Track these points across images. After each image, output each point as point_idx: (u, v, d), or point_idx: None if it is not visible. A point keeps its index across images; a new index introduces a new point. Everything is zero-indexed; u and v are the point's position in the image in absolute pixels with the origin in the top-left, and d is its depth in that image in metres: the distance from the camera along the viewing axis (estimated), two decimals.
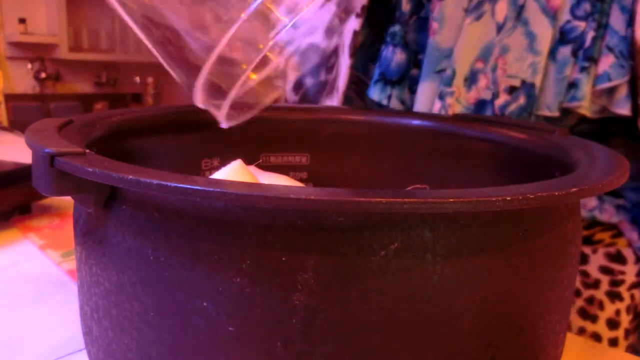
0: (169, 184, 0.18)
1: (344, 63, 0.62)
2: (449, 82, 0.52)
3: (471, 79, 0.52)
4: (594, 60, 0.47)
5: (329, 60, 0.66)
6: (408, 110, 0.56)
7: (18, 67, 2.96)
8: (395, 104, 0.58)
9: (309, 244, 0.19)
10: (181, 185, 0.18)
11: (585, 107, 0.48)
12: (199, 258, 0.20)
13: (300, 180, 0.41)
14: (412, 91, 0.57)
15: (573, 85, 0.48)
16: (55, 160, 0.21)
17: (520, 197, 0.18)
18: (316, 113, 0.43)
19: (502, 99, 0.50)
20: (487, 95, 0.51)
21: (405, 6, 0.56)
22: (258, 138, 0.40)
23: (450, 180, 0.38)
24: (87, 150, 0.21)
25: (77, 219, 0.25)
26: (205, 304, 0.20)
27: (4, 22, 2.86)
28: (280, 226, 0.19)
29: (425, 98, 0.54)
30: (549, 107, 0.49)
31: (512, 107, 0.49)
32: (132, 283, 0.21)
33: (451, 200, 0.17)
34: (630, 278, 0.51)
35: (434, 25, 0.53)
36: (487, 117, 0.38)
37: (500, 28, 0.50)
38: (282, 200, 0.17)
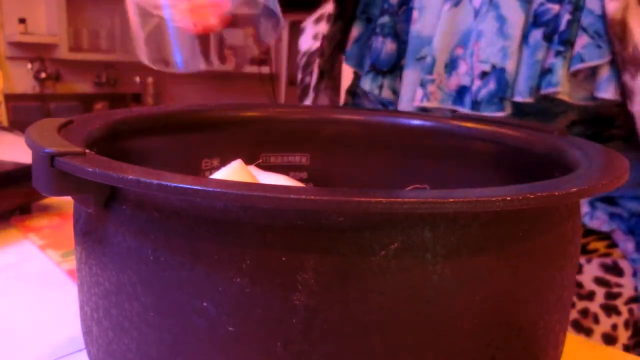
0: (169, 184, 0.18)
1: (316, 69, 0.63)
2: (430, 70, 0.52)
3: (451, 66, 0.51)
4: (570, 43, 0.46)
5: (311, 65, 0.66)
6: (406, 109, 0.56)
7: (18, 67, 2.95)
8: (387, 93, 0.58)
9: (309, 244, 0.19)
10: (181, 185, 0.18)
11: (564, 92, 0.46)
12: (199, 258, 0.20)
13: (300, 180, 0.41)
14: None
15: (549, 70, 0.46)
16: (55, 160, 0.21)
17: (520, 197, 0.18)
18: (316, 113, 0.43)
19: (476, 84, 0.49)
20: (467, 81, 0.51)
21: None
22: (258, 138, 0.40)
23: (450, 180, 0.38)
24: (87, 150, 0.21)
25: (77, 219, 0.25)
26: (205, 304, 0.20)
27: (4, 22, 2.86)
28: (280, 226, 0.19)
29: (409, 86, 0.54)
30: (521, 93, 0.47)
31: (483, 92, 0.49)
32: (132, 283, 0.21)
33: (451, 200, 0.17)
34: (628, 291, 0.49)
35: (414, 14, 0.53)
36: (487, 117, 0.38)
37: (477, 13, 0.50)
38: (282, 200, 0.17)
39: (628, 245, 0.49)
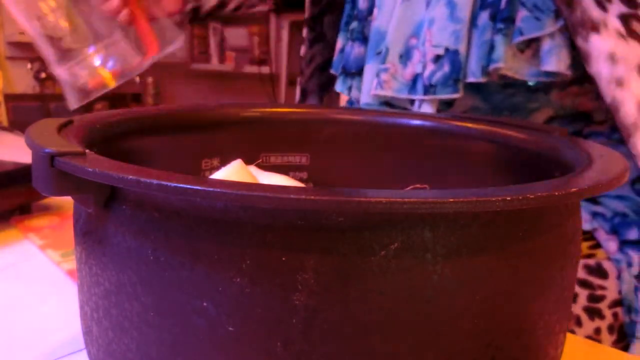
0: (169, 184, 0.18)
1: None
2: (383, 60, 0.54)
3: (406, 56, 0.53)
4: (511, 20, 0.47)
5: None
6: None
7: (18, 67, 2.95)
8: (355, 94, 0.60)
9: (309, 244, 0.19)
10: (181, 185, 0.18)
11: (508, 68, 0.48)
12: (199, 258, 0.20)
13: (300, 180, 0.41)
14: None
15: (492, 48, 0.48)
16: (55, 160, 0.21)
17: (520, 197, 0.18)
18: (316, 113, 0.43)
19: (429, 69, 0.51)
20: (419, 68, 0.52)
21: (363, 4, 0.59)
22: (258, 138, 0.40)
23: (450, 180, 0.38)
24: (87, 150, 0.21)
25: (77, 219, 0.25)
26: (205, 304, 0.20)
27: (4, 22, 2.86)
28: (280, 226, 0.19)
29: (367, 79, 0.56)
30: (473, 73, 0.49)
31: (438, 75, 0.50)
32: (132, 283, 0.21)
33: (451, 200, 0.17)
34: (612, 294, 0.47)
35: (375, 12, 0.56)
36: (487, 117, 0.38)
37: (428, 4, 0.52)
38: (282, 200, 0.17)
39: (611, 245, 0.49)
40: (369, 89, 0.56)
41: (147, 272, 0.21)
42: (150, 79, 3.44)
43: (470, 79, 0.49)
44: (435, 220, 0.19)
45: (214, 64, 3.24)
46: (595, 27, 0.44)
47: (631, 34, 0.44)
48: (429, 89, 0.51)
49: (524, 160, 0.33)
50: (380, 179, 0.41)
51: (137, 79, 3.43)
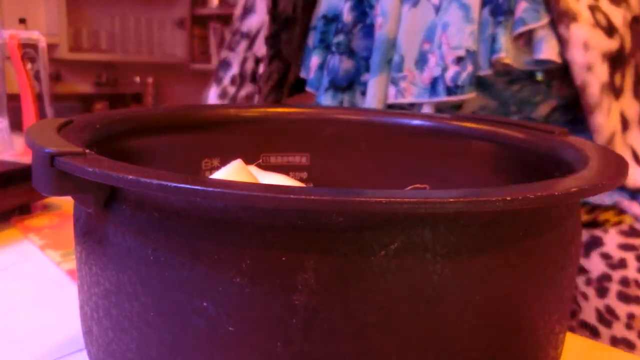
0: (169, 184, 0.18)
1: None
2: (399, 68, 0.56)
3: (422, 61, 0.55)
4: (510, 12, 0.50)
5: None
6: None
7: None
8: None
9: (309, 244, 0.19)
10: (181, 185, 0.18)
11: (509, 57, 0.50)
12: (199, 258, 0.20)
13: (300, 180, 0.41)
14: (364, 94, 0.60)
15: (494, 40, 0.51)
16: (55, 160, 0.21)
17: (520, 197, 0.18)
18: (316, 113, 0.43)
19: (452, 70, 0.52)
20: (437, 72, 0.54)
21: (347, 17, 0.60)
22: (258, 138, 0.40)
23: (450, 180, 0.38)
24: (87, 150, 0.21)
25: (77, 219, 0.25)
26: (205, 304, 0.20)
27: (4, 22, 2.85)
28: (280, 226, 0.19)
29: (378, 90, 0.57)
30: (482, 67, 0.52)
31: (464, 75, 0.52)
32: (132, 283, 0.21)
33: (451, 200, 0.17)
34: None
35: (379, 20, 0.57)
36: (487, 117, 0.38)
37: (437, 9, 0.54)
38: (282, 200, 0.17)
39: (635, 208, 0.51)
40: (378, 99, 0.57)
41: (147, 272, 0.21)
42: (150, 79, 3.44)
43: (481, 73, 0.51)
44: (435, 220, 0.19)
45: (214, 64, 3.24)
46: (574, 17, 0.48)
47: (597, 24, 0.49)
48: (454, 90, 0.53)
49: (524, 160, 0.33)
50: (380, 179, 0.41)
51: (137, 79, 3.43)
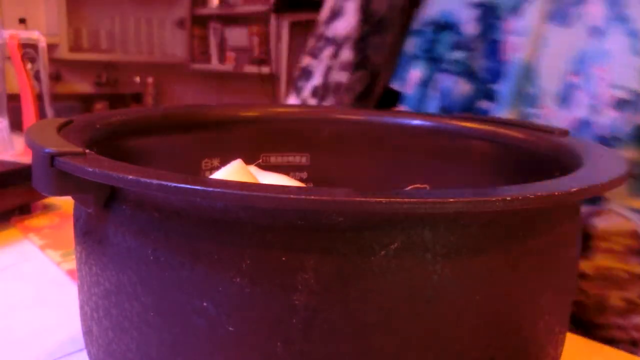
0: (169, 184, 0.18)
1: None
2: (534, 102, 0.45)
3: (566, 97, 0.44)
4: None
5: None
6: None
7: None
8: None
9: (309, 244, 0.19)
10: (181, 185, 0.18)
11: None
12: (199, 258, 0.20)
13: (300, 180, 0.41)
14: None
15: None
16: (55, 160, 0.21)
17: (520, 197, 0.18)
18: (316, 113, 0.43)
19: (608, 115, 0.41)
20: (587, 113, 0.43)
21: (471, 29, 0.48)
22: (258, 138, 0.40)
23: (450, 180, 0.38)
24: (87, 150, 0.21)
25: (77, 219, 0.25)
26: (205, 304, 0.20)
27: (4, 22, 2.85)
28: (280, 226, 0.19)
29: None
30: None
31: (624, 125, 0.41)
32: (132, 283, 0.21)
33: (451, 200, 0.17)
34: None
35: (513, 40, 0.46)
36: (486, 117, 0.38)
37: (594, 32, 0.43)
38: (282, 200, 0.17)
39: None
40: None
41: (147, 272, 0.21)
42: (150, 79, 3.44)
43: None
44: (435, 220, 0.19)
45: (214, 64, 3.24)
46: None
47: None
48: (607, 141, 0.42)
49: (524, 160, 0.33)
50: (380, 179, 0.41)
51: (137, 79, 3.43)
